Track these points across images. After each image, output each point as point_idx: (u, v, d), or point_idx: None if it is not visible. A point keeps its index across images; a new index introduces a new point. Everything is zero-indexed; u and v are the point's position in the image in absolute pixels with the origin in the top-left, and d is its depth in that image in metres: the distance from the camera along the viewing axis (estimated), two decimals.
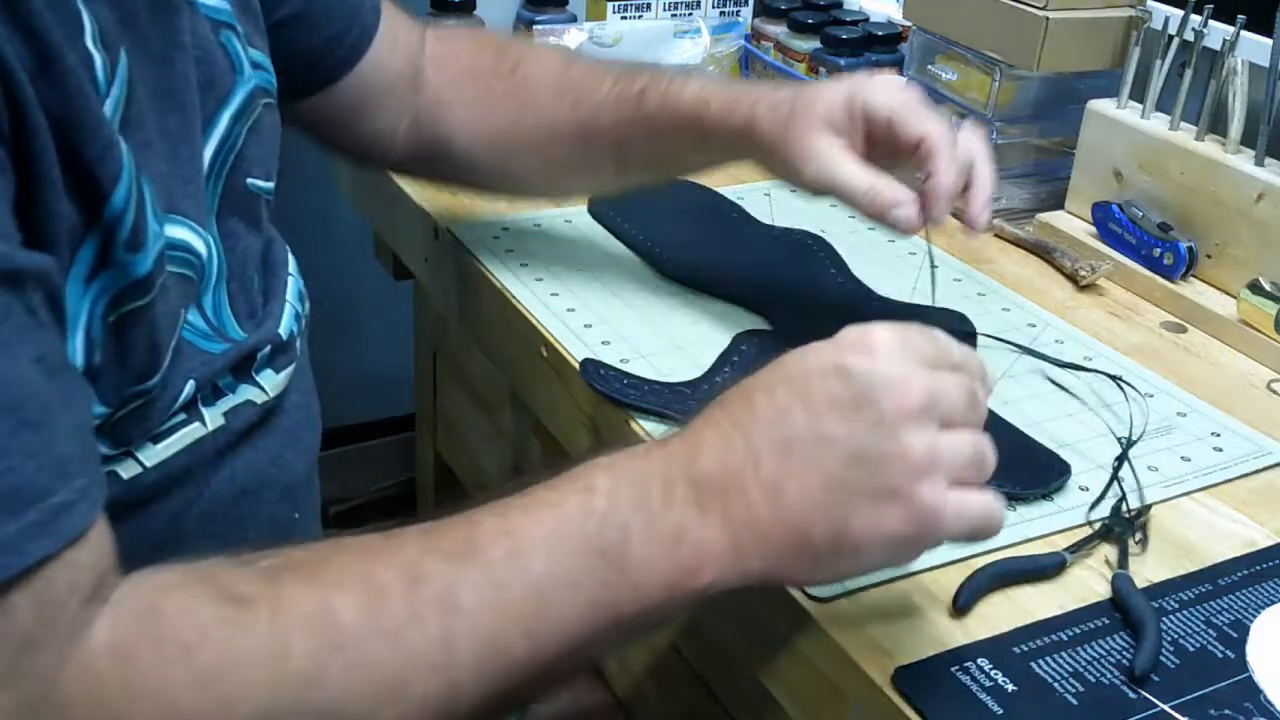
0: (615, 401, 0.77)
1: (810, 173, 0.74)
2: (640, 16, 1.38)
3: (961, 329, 0.88)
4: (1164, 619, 0.62)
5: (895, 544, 0.54)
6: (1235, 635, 0.62)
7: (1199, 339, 0.92)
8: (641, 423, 0.75)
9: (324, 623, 0.47)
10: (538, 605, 0.50)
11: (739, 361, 0.81)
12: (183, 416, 0.59)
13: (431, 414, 1.30)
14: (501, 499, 0.53)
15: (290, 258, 0.73)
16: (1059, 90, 1.06)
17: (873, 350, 0.54)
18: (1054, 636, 0.61)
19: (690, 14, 1.39)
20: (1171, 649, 0.61)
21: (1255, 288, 0.89)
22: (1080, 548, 0.67)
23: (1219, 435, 0.79)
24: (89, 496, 0.46)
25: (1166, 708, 0.57)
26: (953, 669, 0.58)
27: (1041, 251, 1.02)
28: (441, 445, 1.30)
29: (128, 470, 0.57)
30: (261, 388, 0.64)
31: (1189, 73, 0.96)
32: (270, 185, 0.69)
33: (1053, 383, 0.83)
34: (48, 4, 0.47)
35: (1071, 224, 1.05)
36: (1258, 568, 0.67)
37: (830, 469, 0.52)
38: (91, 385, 0.52)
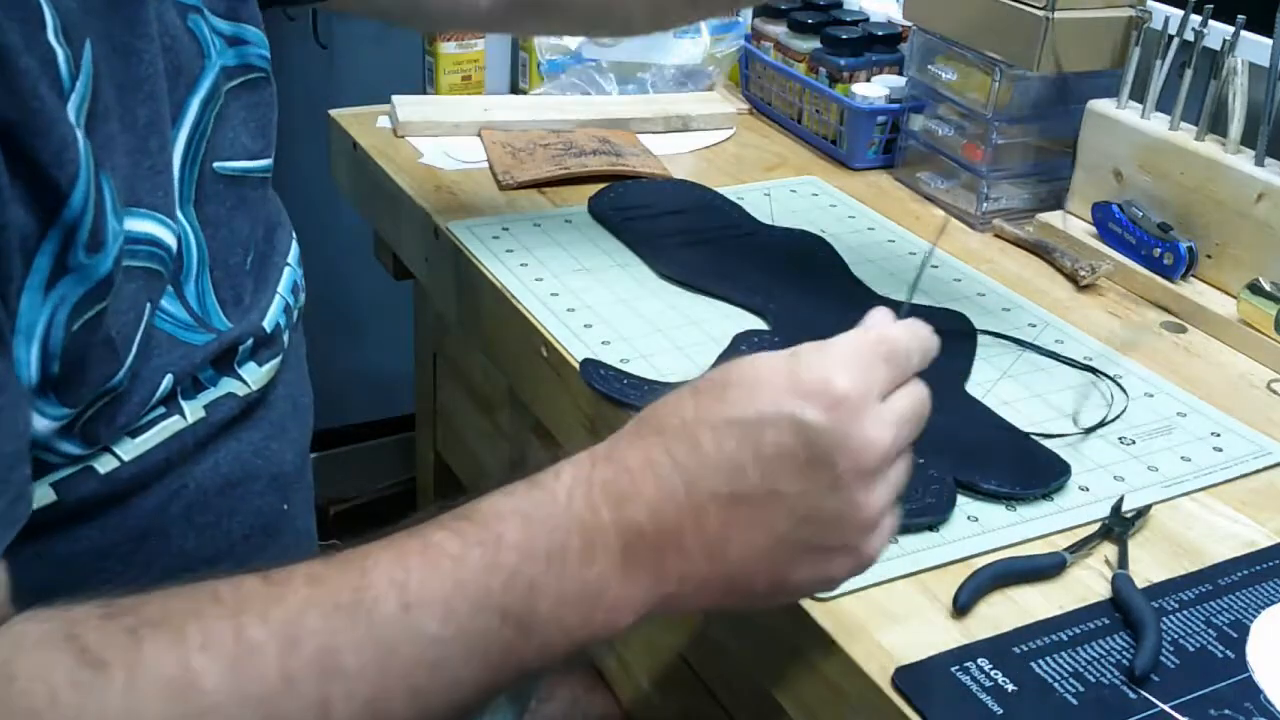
0: (615, 401, 0.77)
1: None
2: None
3: (961, 329, 0.88)
4: (1164, 619, 0.62)
5: (834, 583, 0.55)
6: (1235, 635, 0.62)
7: (1199, 339, 0.92)
8: None
9: (185, 689, 0.44)
10: (428, 669, 0.47)
11: None
12: (161, 410, 0.58)
13: (431, 414, 1.30)
14: (406, 534, 0.50)
15: (294, 246, 0.72)
16: (1059, 90, 1.06)
17: (833, 403, 0.50)
18: (1054, 636, 0.61)
19: None
20: (1171, 649, 0.61)
21: (1255, 288, 0.89)
22: (1080, 548, 0.67)
23: (1219, 435, 0.79)
24: None
25: (1166, 708, 0.57)
26: (953, 669, 0.58)
27: (1041, 251, 1.02)
28: (441, 445, 1.30)
29: (104, 465, 0.56)
30: (244, 380, 0.63)
31: (1189, 73, 0.96)
32: (260, 164, 0.67)
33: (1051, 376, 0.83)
34: (3, 2, 0.46)
35: (1071, 224, 1.05)
36: (1258, 568, 0.67)
37: (780, 528, 0.50)
38: (50, 394, 0.51)
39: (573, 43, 1.31)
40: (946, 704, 0.56)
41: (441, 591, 0.48)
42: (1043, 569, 0.65)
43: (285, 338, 0.67)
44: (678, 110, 1.24)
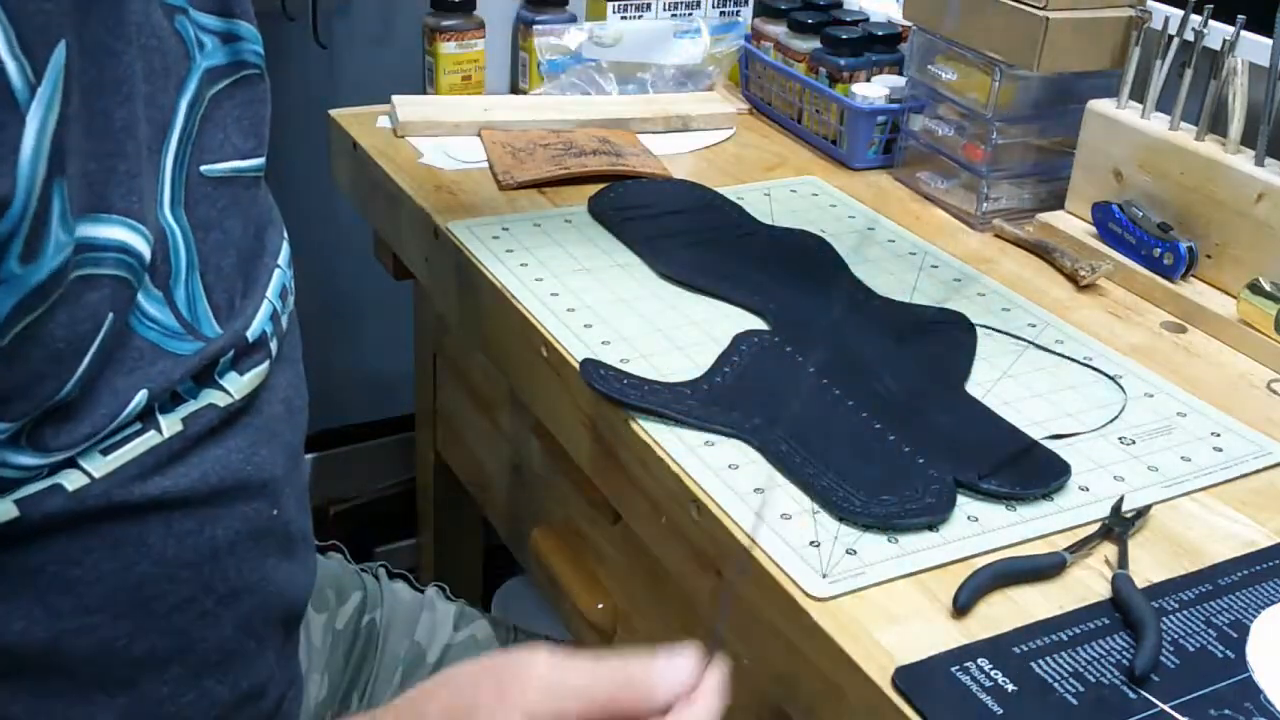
0: (615, 401, 0.77)
1: None
2: (640, 16, 1.38)
3: (961, 329, 0.89)
4: (1164, 619, 0.62)
5: None
6: (1235, 635, 0.62)
7: (1199, 339, 0.92)
8: (642, 423, 0.75)
9: None
10: None
11: (739, 361, 0.82)
12: (136, 426, 0.57)
13: (431, 414, 1.30)
14: None
15: (285, 247, 0.70)
16: (1059, 90, 1.06)
17: None
18: (1054, 636, 0.61)
19: (690, 14, 1.39)
20: (1171, 649, 0.61)
21: (1255, 288, 0.89)
22: (1080, 548, 0.67)
23: (1219, 435, 0.79)
24: None
25: (1166, 708, 0.57)
26: (953, 669, 0.58)
27: (1041, 251, 1.02)
28: (441, 445, 1.30)
29: (73, 482, 0.54)
30: (225, 390, 0.61)
31: (1189, 73, 0.96)
32: (252, 164, 0.66)
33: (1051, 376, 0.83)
34: None
35: (1071, 224, 1.05)
36: (1258, 568, 0.67)
37: None
38: None
39: (573, 43, 1.31)
40: (946, 704, 0.56)
41: None
42: (1043, 569, 0.65)
43: (272, 345, 0.65)
44: (678, 110, 1.24)
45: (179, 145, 0.61)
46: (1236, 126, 0.93)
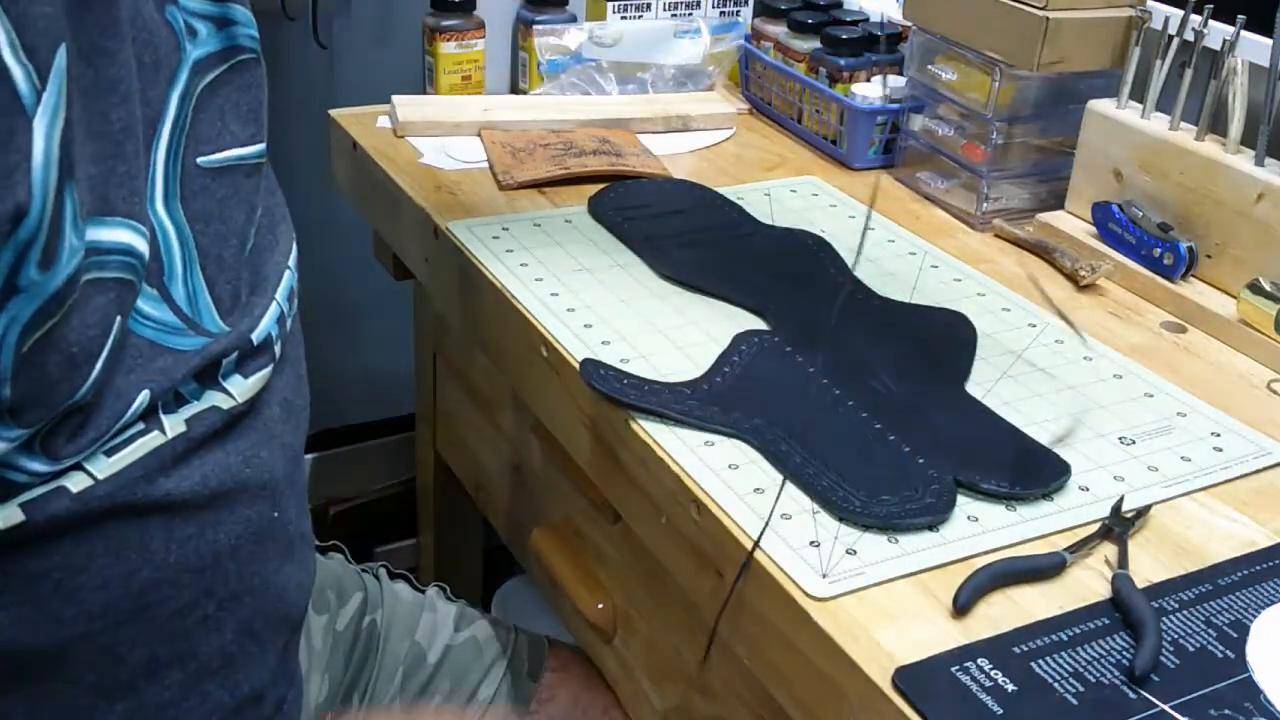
0: (615, 401, 0.77)
1: None
2: (640, 16, 1.38)
3: (962, 329, 0.89)
4: (1164, 619, 0.62)
5: None
6: (1235, 635, 0.62)
7: (1199, 339, 0.92)
8: (642, 423, 0.75)
9: None
10: None
11: (739, 361, 0.82)
12: (139, 426, 0.56)
13: (431, 414, 1.30)
14: None
15: (294, 248, 0.70)
16: (1059, 90, 1.06)
17: None
18: (1054, 636, 0.61)
19: (690, 14, 1.39)
20: (1171, 649, 0.61)
21: (1255, 288, 0.89)
22: (1080, 548, 0.67)
23: (1219, 435, 0.79)
24: None
25: (1166, 708, 0.57)
26: (953, 669, 0.58)
27: (1041, 251, 1.02)
28: (441, 445, 1.30)
29: (77, 483, 0.54)
30: (228, 393, 0.61)
31: (1189, 73, 0.96)
32: (251, 151, 0.65)
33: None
34: None
35: (1071, 224, 1.05)
36: (1258, 568, 0.67)
37: None
38: (4, 416, 0.50)
39: (573, 43, 1.31)
40: (946, 704, 0.56)
41: None
42: (1043, 569, 0.65)
43: (277, 348, 0.65)
44: (678, 110, 1.24)
45: (171, 138, 0.60)
46: (1236, 126, 0.93)
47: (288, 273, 0.68)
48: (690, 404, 0.76)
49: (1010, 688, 0.57)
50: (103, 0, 0.54)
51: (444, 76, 1.28)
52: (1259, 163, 0.92)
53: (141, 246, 0.56)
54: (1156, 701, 0.57)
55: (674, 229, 1.00)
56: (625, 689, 0.94)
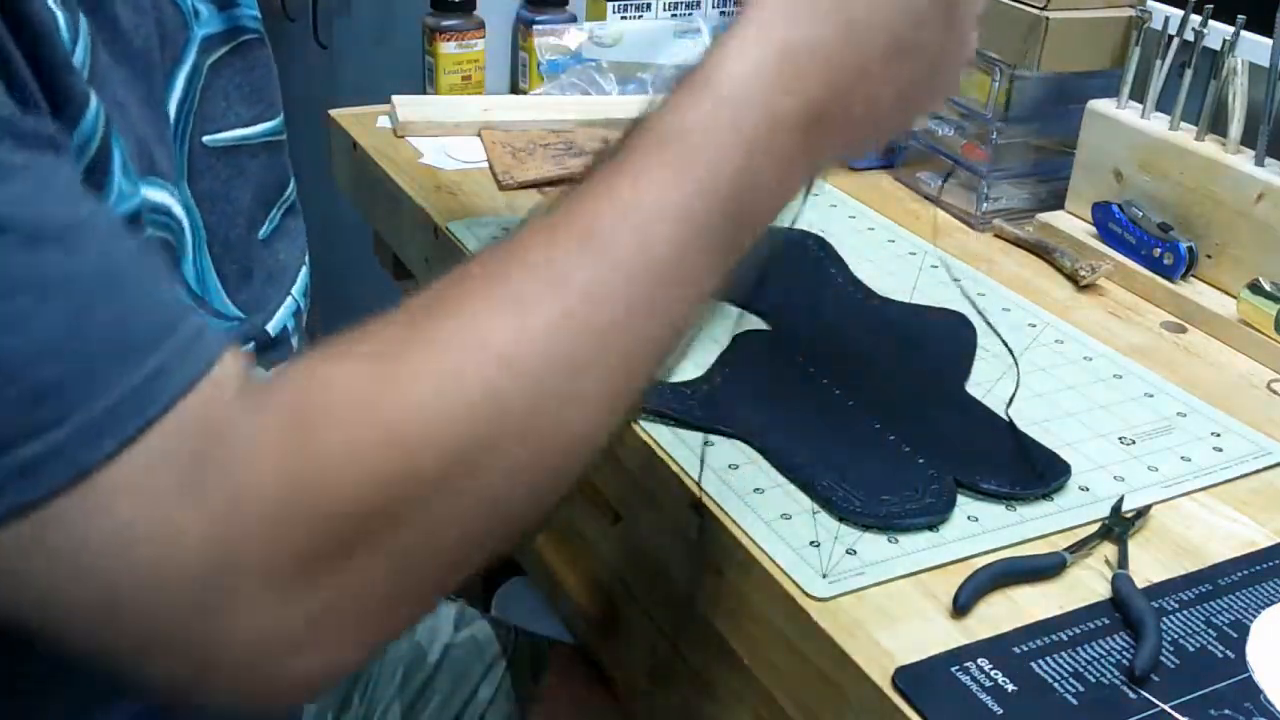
0: None
1: None
2: (640, 16, 1.38)
3: (962, 329, 0.88)
4: (1164, 619, 0.62)
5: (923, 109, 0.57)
6: (1235, 635, 0.62)
7: (1199, 339, 0.92)
8: (642, 423, 0.75)
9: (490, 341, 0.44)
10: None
11: (739, 361, 0.81)
12: None
13: None
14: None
15: (306, 244, 0.71)
16: (1059, 90, 1.06)
17: None
18: (1054, 636, 0.61)
19: (690, 14, 1.39)
20: (1171, 649, 0.61)
21: (1255, 288, 0.89)
22: (1080, 548, 0.67)
23: (1219, 435, 0.79)
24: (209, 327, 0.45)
25: (1166, 708, 0.57)
26: (953, 669, 0.58)
27: (1041, 251, 1.02)
28: None
29: None
30: None
31: (1189, 73, 0.96)
32: (257, 130, 0.66)
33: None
34: None
35: (1071, 224, 1.05)
36: (1258, 568, 0.67)
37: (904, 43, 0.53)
38: None
39: (573, 43, 1.31)
40: (946, 704, 0.56)
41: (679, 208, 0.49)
42: (1043, 569, 0.65)
43: (293, 341, 0.66)
44: None
45: (177, 116, 0.61)
46: (1236, 126, 0.93)
47: (304, 269, 0.69)
48: (690, 404, 0.76)
49: (1010, 688, 0.57)
50: None
51: (444, 76, 1.28)
52: (1259, 163, 0.92)
53: (179, 211, 0.57)
54: (1156, 701, 0.57)
55: None
56: (625, 689, 0.94)
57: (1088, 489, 0.72)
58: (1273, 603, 0.64)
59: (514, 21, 1.37)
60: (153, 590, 0.40)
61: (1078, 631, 0.61)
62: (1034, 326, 0.90)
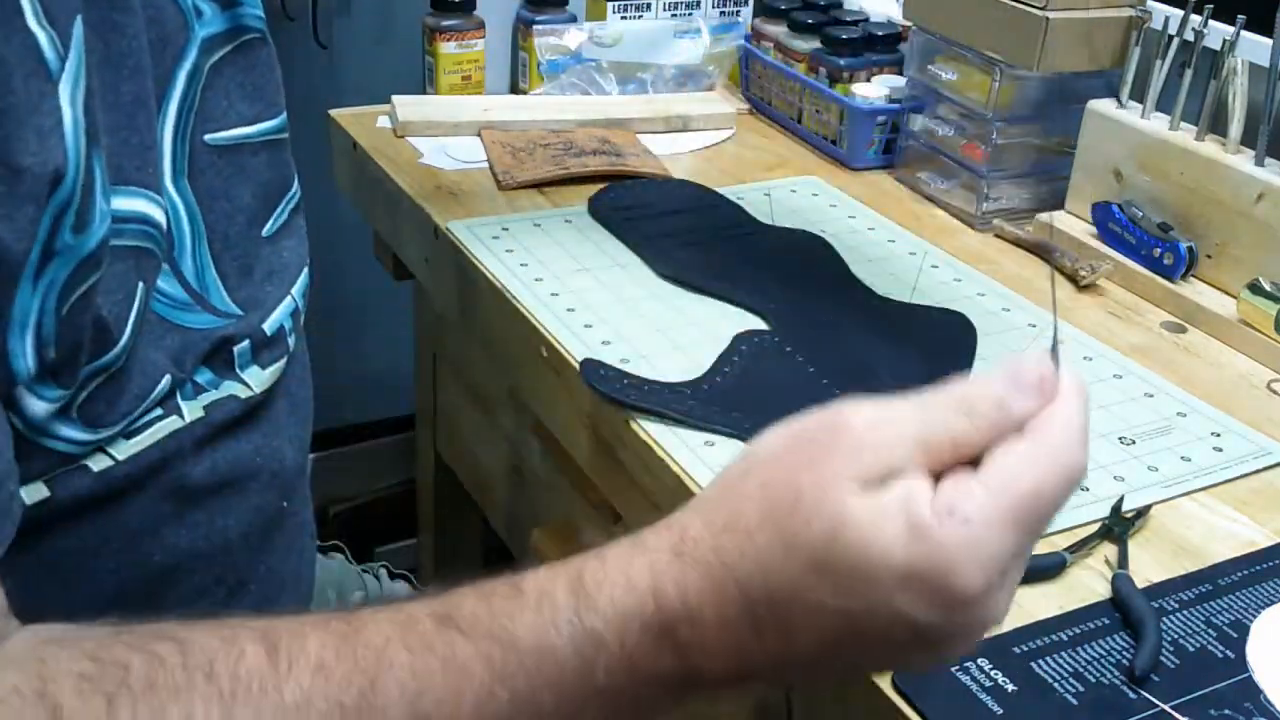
0: (615, 401, 0.77)
1: None
2: (640, 16, 1.38)
3: (962, 329, 0.88)
4: (1164, 619, 0.62)
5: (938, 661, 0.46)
6: (1235, 635, 0.62)
7: (1199, 339, 0.92)
8: (642, 423, 0.75)
9: None
10: None
11: (739, 361, 0.81)
12: (159, 412, 0.57)
13: (431, 414, 1.30)
14: (434, 629, 0.44)
15: (307, 252, 0.71)
16: (1059, 90, 1.06)
17: (957, 605, 0.41)
18: (1054, 636, 0.61)
19: (690, 14, 1.39)
20: (1171, 649, 0.61)
21: (1255, 288, 0.89)
22: (1080, 548, 0.67)
23: (1219, 435, 0.79)
24: None
25: (1166, 708, 0.57)
26: (953, 669, 0.58)
27: (1041, 251, 1.02)
28: (441, 445, 1.30)
29: (98, 463, 0.55)
30: (246, 384, 0.62)
31: (1189, 73, 0.96)
32: (258, 129, 0.66)
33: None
34: None
35: (1071, 224, 1.05)
36: (1258, 568, 0.67)
37: (887, 658, 0.46)
38: (48, 379, 0.51)
39: (573, 43, 1.31)
40: (946, 704, 0.56)
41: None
42: (1043, 569, 0.65)
43: (290, 340, 0.66)
44: (678, 110, 1.24)
45: (179, 115, 0.61)
46: (1236, 126, 0.93)
47: (306, 269, 0.69)
48: (690, 404, 0.76)
49: (1010, 688, 0.57)
50: None
51: (444, 76, 1.28)
52: (1259, 163, 0.92)
53: (159, 217, 0.57)
54: (1156, 701, 0.57)
55: (674, 229, 1.00)
56: None
57: (1088, 489, 0.72)
58: (1273, 603, 0.64)
59: (514, 21, 1.37)
60: None
61: (1078, 631, 0.61)
62: (1034, 326, 0.90)
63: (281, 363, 0.65)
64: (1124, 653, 0.60)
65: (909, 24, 1.17)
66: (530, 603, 0.44)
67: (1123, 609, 0.63)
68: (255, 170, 0.66)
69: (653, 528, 0.45)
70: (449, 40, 1.27)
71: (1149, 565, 0.67)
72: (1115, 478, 0.74)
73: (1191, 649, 0.61)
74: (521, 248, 0.96)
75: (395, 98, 1.20)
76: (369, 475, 1.65)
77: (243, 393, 0.62)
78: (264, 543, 0.65)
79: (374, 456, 1.65)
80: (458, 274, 0.98)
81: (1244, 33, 0.93)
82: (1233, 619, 0.63)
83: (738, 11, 1.42)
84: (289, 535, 0.68)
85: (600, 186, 1.07)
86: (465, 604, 0.45)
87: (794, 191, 1.11)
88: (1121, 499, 0.70)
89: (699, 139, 1.22)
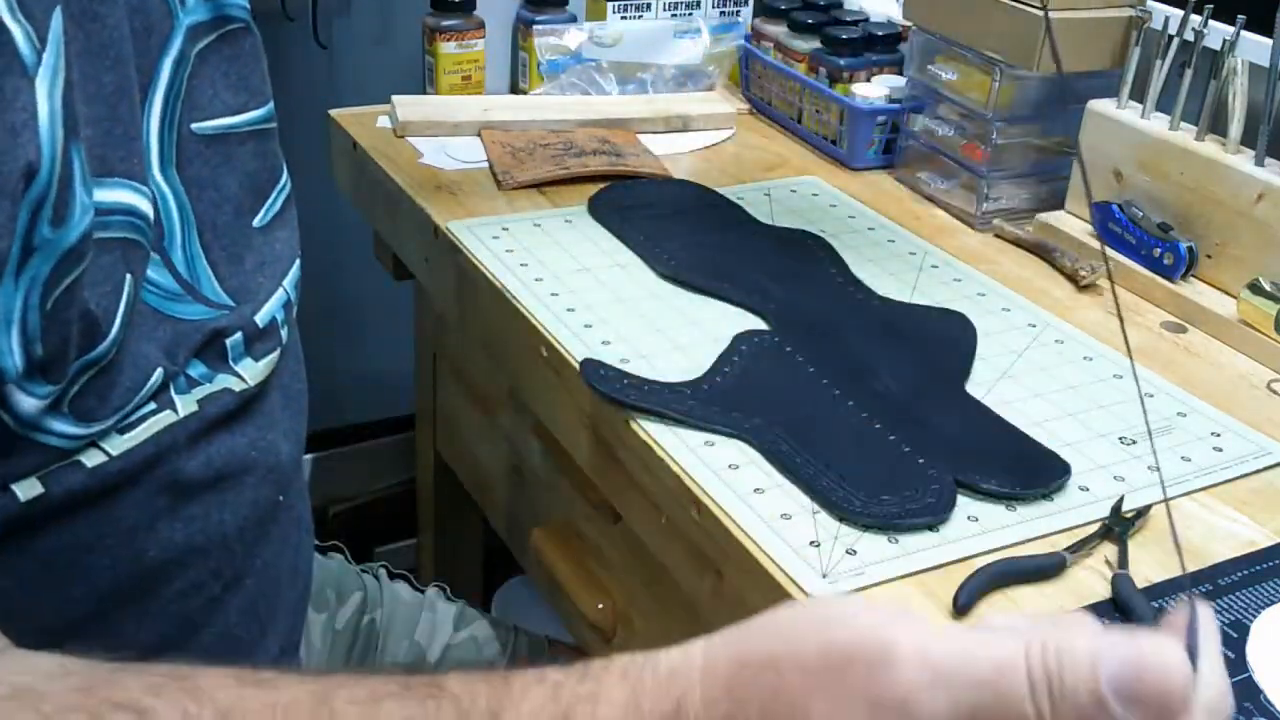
0: (615, 401, 0.77)
1: None
2: (640, 16, 1.38)
3: (962, 329, 0.89)
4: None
5: None
6: (1235, 635, 0.62)
7: (1199, 339, 0.92)
8: (642, 423, 0.75)
9: None
10: None
11: (739, 361, 0.81)
12: (152, 406, 0.57)
13: (431, 414, 1.30)
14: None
15: (298, 244, 0.71)
16: (1059, 90, 1.06)
17: None
18: None
19: (690, 14, 1.39)
20: None
21: (1255, 288, 0.89)
22: (1080, 548, 0.67)
23: (1219, 435, 0.79)
24: None
25: None
26: None
27: (1041, 251, 1.02)
28: (441, 445, 1.30)
29: (92, 459, 0.55)
30: (239, 376, 0.62)
31: (1189, 73, 0.96)
32: (244, 119, 0.66)
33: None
34: None
35: (1071, 224, 1.05)
36: (1258, 568, 0.67)
37: None
38: (37, 375, 0.51)
39: (573, 43, 1.31)
40: None
41: None
42: (1043, 569, 0.65)
43: (283, 333, 0.66)
44: (678, 110, 1.24)
45: (165, 104, 0.61)
46: (1236, 126, 0.93)
47: (298, 261, 0.69)
48: (690, 404, 0.76)
49: None
50: None
51: (444, 76, 1.28)
52: (1259, 163, 0.92)
53: (145, 207, 0.56)
54: None
55: (674, 229, 1.00)
56: None
57: (1088, 489, 0.72)
58: (1273, 603, 0.64)
59: (514, 21, 1.37)
60: None
61: None
62: (1034, 326, 0.90)
63: (275, 355, 0.65)
64: None
65: (909, 24, 1.17)
66: None
67: (1123, 609, 0.63)
68: (242, 160, 0.66)
69: (654, 682, 0.43)
70: (449, 40, 1.27)
71: (1149, 565, 0.67)
72: (1115, 478, 0.74)
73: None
74: (521, 248, 0.96)
75: (395, 98, 1.20)
76: (369, 475, 1.65)
77: (236, 386, 0.62)
78: (260, 537, 0.65)
79: (374, 456, 1.65)
80: (457, 274, 0.98)
81: (1244, 33, 0.93)
82: (1233, 619, 0.63)
83: (738, 11, 1.42)
84: (285, 530, 0.68)
85: (600, 186, 1.07)
86: None
87: (794, 191, 1.11)
88: (1121, 499, 0.71)
89: (699, 139, 1.22)
